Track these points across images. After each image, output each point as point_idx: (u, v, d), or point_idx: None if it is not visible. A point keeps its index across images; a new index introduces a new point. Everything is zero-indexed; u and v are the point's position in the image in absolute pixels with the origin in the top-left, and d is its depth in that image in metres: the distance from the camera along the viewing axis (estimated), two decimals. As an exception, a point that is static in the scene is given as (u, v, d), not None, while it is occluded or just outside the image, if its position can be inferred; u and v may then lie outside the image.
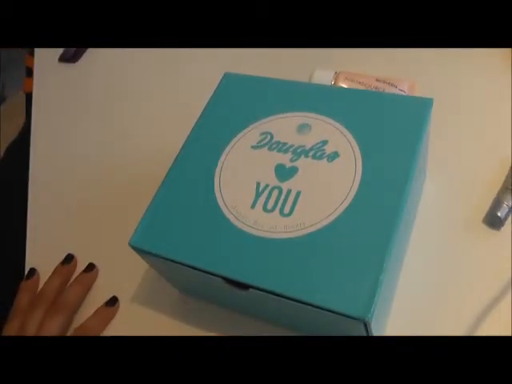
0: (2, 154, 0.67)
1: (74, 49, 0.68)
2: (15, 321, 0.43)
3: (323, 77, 0.50)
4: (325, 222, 0.33)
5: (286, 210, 0.34)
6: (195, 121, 0.41)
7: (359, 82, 0.49)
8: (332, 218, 0.33)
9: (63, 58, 0.68)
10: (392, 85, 0.48)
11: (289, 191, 0.35)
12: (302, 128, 0.38)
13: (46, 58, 0.69)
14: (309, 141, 0.37)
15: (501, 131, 0.46)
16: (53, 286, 0.45)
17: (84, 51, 0.69)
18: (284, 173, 0.36)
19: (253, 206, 0.35)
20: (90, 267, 0.46)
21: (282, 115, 0.39)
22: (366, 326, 0.30)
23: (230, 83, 0.43)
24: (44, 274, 0.48)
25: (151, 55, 0.65)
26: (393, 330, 0.38)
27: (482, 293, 0.38)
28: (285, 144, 0.38)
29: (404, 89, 0.48)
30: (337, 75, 0.50)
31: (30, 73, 0.67)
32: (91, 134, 0.59)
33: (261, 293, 0.32)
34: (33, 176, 0.57)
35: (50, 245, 0.50)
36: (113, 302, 0.44)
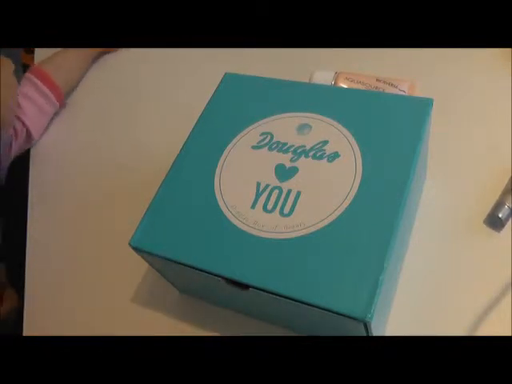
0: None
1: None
2: None
3: (323, 77, 0.50)
4: (325, 222, 0.33)
5: (286, 210, 0.34)
6: (195, 121, 0.41)
7: (359, 82, 0.49)
8: (332, 217, 0.33)
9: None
10: (392, 85, 0.48)
11: (289, 191, 0.35)
12: (303, 128, 0.38)
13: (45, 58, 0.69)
14: (309, 141, 0.37)
15: (501, 131, 0.46)
16: None
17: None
18: (284, 173, 0.36)
19: (253, 206, 0.35)
20: None
21: (282, 115, 0.39)
22: (366, 326, 0.30)
23: (230, 83, 0.43)
24: (44, 273, 0.48)
25: (151, 55, 0.65)
26: (393, 330, 0.38)
27: (481, 293, 0.38)
28: (285, 144, 0.38)
29: (404, 89, 0.48)
30: (337, 75, 0.50)
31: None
32: (91, 133, 0.59)
33: (261, 293, 0.32)
34: (33, 176, 0.57)
35: (50, 244, 0.50)
36: None
